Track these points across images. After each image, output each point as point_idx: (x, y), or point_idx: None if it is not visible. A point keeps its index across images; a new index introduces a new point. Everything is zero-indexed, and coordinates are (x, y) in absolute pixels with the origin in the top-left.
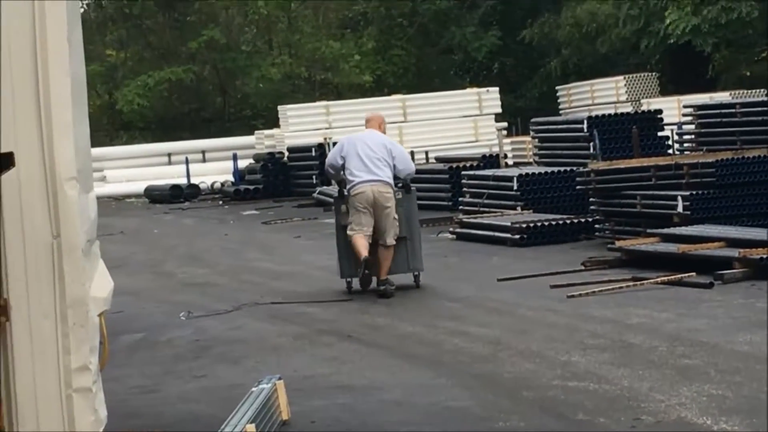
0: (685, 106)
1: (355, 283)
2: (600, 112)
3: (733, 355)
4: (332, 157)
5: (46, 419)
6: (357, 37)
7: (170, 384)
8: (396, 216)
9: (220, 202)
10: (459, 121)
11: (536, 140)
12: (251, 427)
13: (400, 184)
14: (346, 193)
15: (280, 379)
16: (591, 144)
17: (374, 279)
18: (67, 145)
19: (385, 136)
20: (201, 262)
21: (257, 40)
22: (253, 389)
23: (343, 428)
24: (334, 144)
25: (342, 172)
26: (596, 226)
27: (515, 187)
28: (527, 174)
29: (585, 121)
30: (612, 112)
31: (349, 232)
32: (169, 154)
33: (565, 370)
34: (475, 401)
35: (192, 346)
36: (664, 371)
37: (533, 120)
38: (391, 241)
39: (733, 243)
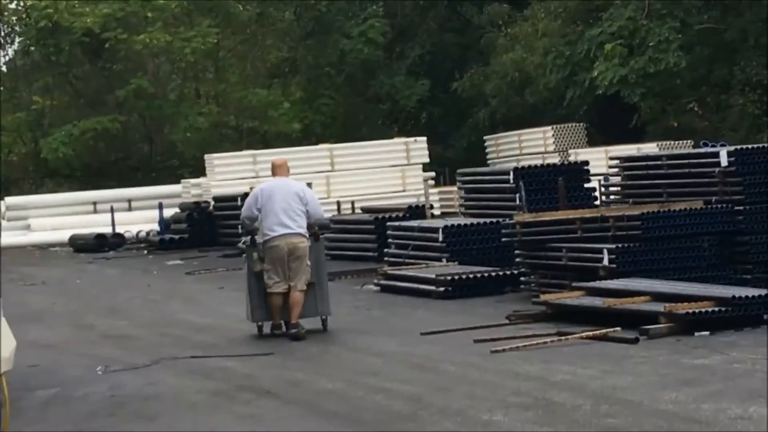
0: (611, 158)
1: (266, 326)
2: (528, 163)
3: (658, 414)
4: (248, 208)
5: None
6: (285, 85)
7: None
8: (308, 263)
9: (145, 252)
10: (386, 171)
11: (462, 191)
12: None
13: (310, 233)
14: (259, 242)
15: None
16: (517, 195)
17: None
18: None
19: (296, 182)
20: (122, 314)
21: (184, 88)
22: None
23: None
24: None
25: (256, 223)
26: (522, 278)
27: (440, 239)
28: (453, 225)
29: (511, 172)
30: (540, 162)
31: (267, 282)
32: (95, 203)
33: (486, 429)
34: None
35: (107, 402)
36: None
37: (459, 171)
38: (302, 286)
39: (658, 297)
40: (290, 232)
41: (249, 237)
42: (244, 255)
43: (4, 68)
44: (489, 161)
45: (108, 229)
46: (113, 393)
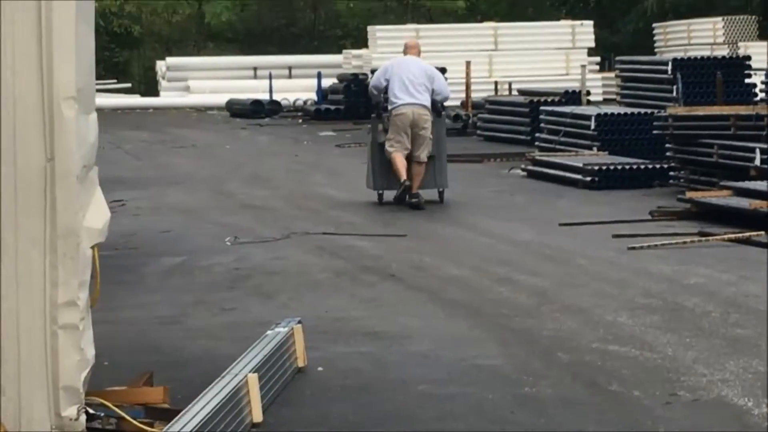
0: None
1: (387, 195)
2: (695, 54)
3: None
4: (377, 79)
5: (27, 356)
6: None
7: (196, 316)
8: (430, 136)
9: (300, 121)
10: (550, 53)
11: (619, 79)
12: (253, 376)
13: (433, 109)
14: (386, 113)
15: (299, 322)
16: (674, 87)
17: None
18: (68, 61)
19: (424, 62)
20: (264, 184)
21: None
22: (269, 332)
23: (357, 381)
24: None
25: (385, 94)
26: (671, 173)
27: (592, 127)
28: (605, 114)
29: (669, 63)
30: (708, 54)
31: (388, 149)
32: (255, 68)
33: (607, 331)
34: (506, 360)
35: (229, 275)
36: (713, 341)
37: (618, 58)
38: (423, 158)
39: None
40: (416, 102)
41: (377, 111)
42: (369, 126)
43: None
44: (656, 49)
45: (266, 96)
46: (237, 265)
